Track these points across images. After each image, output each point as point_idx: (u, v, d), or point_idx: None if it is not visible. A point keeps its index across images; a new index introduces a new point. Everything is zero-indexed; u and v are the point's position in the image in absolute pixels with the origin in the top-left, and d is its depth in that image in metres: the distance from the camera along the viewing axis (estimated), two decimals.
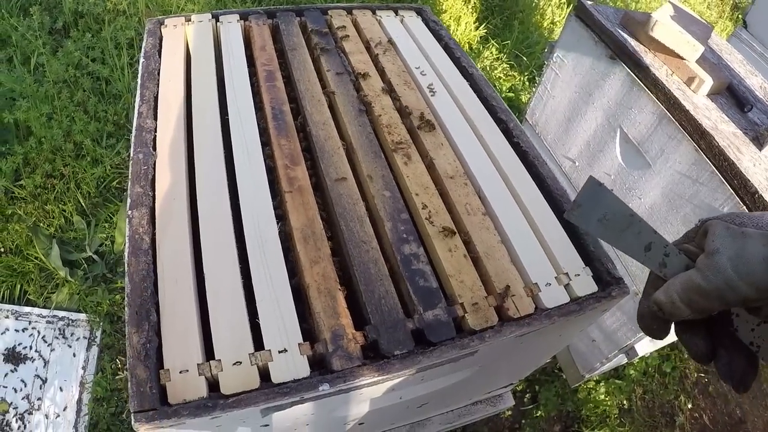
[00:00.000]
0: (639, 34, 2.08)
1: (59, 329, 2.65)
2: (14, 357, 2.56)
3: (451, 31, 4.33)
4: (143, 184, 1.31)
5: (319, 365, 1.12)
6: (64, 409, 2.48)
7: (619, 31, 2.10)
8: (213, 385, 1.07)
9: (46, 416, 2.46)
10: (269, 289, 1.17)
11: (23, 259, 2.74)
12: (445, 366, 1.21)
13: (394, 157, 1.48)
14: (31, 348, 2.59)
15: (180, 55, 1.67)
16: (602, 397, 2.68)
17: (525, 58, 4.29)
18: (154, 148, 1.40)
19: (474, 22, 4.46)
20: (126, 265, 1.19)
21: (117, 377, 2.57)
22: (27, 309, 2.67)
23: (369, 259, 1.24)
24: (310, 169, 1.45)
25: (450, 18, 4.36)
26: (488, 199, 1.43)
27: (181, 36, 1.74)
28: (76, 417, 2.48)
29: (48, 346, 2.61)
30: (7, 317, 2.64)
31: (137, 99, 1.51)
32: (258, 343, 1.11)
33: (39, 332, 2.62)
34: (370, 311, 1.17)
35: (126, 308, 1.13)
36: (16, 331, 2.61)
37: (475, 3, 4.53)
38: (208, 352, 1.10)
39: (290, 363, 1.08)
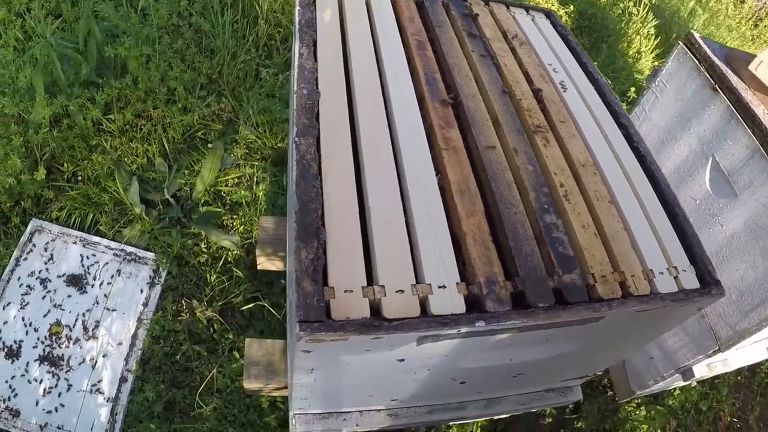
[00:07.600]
0: (741, 72, 2.15)
1: (125, 263, 2.71)
2: (76, 282, 2.61)
3: None
4: (309, 117, 1.39)
5: (470, 306, 1.19)
6: (119, 343, 2.53)
7: (724, 65, 2.18)
8: (373, 308, 1.13)
9: (100, 344, 2.50)
10: (430, 228, 1.25)
11: (101, 191, 2.80)
12: (565, 330, 1.29)
13: (534, 138, 1.56)
14: (94, 277, 2.64)
15: (334, 10, 1.76)
16: (641, 419, 2.72)
17: (610, 82, 4.32)
18: (317, 87, 1.48)
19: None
20: (294, 186, 1.26)
21: (178, 318, 2.62)
22: (96, 239, 2.73)
23: (517, 220, 1.32)
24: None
25: None
26: (613, 190, 1.52)
27: None
28: (128, 350, 2.52)
29: (111, 277, 2.66)
30: (75, 243, 2.70)
31: (297, 42, 1.59)
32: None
33: (104, 263, 2.68)
34: (519, 265, 1.24)
35: (295, 225, 1.19)
36: (82, 257, 2.68)
37: (566, 20, 4.58)
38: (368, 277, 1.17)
39: (448, 298, 1.16)
